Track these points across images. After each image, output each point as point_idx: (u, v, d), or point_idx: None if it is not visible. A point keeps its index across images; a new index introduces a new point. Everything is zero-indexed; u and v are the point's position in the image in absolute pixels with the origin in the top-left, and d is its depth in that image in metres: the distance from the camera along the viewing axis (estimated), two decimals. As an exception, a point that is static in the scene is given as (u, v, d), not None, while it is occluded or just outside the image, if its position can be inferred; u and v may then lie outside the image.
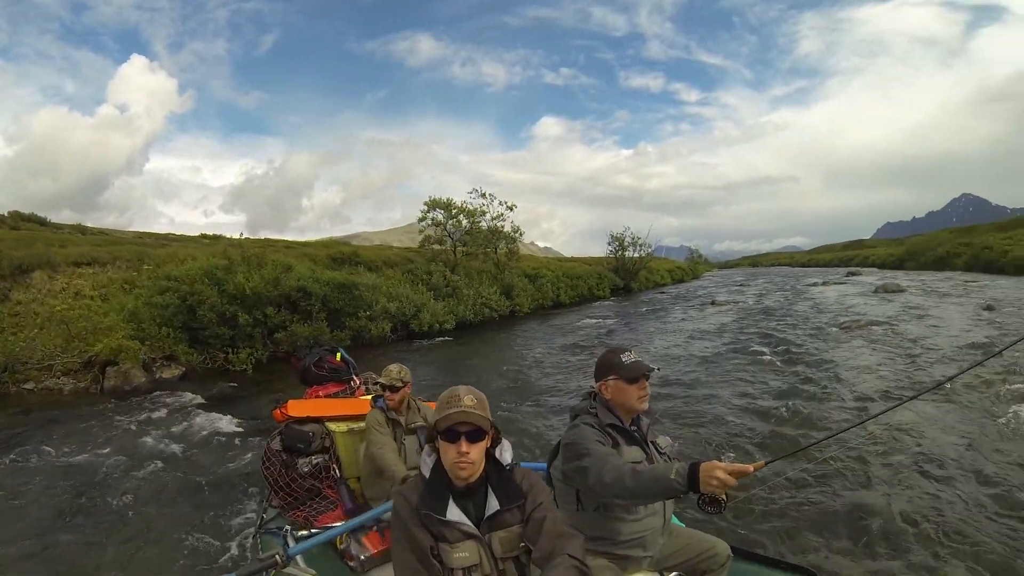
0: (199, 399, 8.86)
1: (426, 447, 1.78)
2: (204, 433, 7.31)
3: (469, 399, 1.67)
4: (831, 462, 5.10)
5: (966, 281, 27.84)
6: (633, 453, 2.18)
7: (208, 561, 4.18)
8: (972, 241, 45.38)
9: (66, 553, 4.38)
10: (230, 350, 10.83)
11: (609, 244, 33.25)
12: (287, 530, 3.11)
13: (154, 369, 10.13)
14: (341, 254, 16.62)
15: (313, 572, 2.48)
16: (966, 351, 10.19)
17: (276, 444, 3.62)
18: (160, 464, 6.19)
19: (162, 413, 8.17)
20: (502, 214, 21.27)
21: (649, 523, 2.17)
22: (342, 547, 3.01)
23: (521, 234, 22.07)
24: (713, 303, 23.82)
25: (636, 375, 2.17)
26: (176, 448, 6.71)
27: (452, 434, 1.63)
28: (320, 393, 4.12)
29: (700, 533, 2.38)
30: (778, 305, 22.10)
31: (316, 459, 3.60)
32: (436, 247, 19.61)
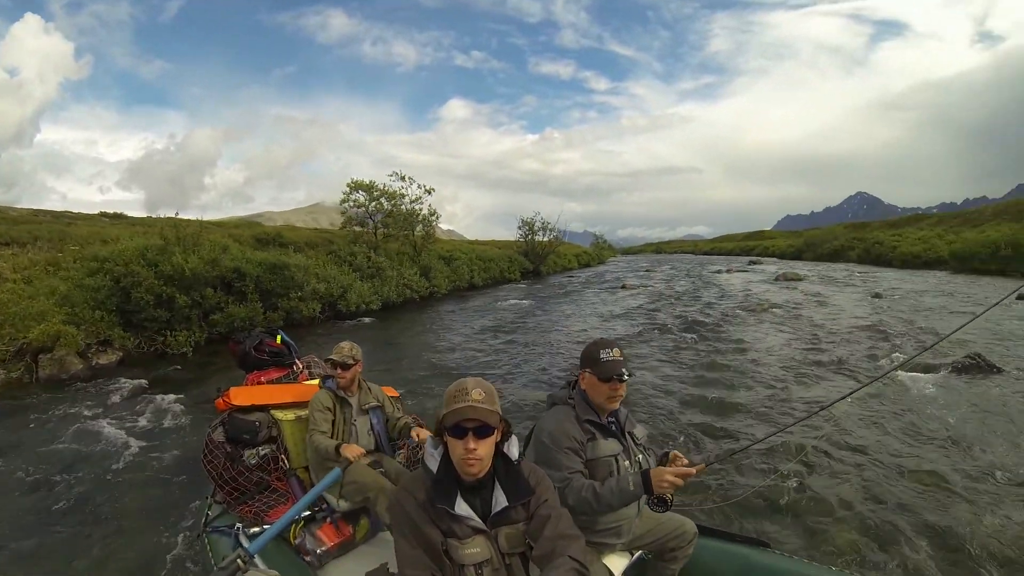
0: (140, 385, 8.72)
1: (429, 439, 1.77)
2: (146, 422, 7.11)
3: (477, 393, 1.64)
4: (774, 452, 5.35)
5: (858, 272, 30.91)
6: (611, 446, 2.25)
7: (151, 568, 3.85)
8: (865, 236, 48.56)
9: None
10: (168, 333, 10.92)
11: (519, 228, 34.71)
12: (239, 528, 3.04)
13: (90, 355, 9.94)
14: (265, 234, 16.70)
15: (275, 573, 2.40)
16: (861, 332, 11.88)
17: (219, 435, 3.47)
18: (100, 459, 5.91)
19: (102, 402, 7.92)
20: (420, 197, 21.96)
21: (624, 513, 2.24)
22: (296, 542, 2.97)
23: (438, 217, 22.88)
24: (624, 287, 25.91)
25: (607, 375, 2.19)
26: (117, 440, 6.43)
27: (459, 430, 1.61)
28: (262, 379, 3.99)
29: (669, 513, 2.40)
30: (687, 290, 24.19)
31: (263, 450, 3.46)
32: (358, 228, 20.01)
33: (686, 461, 2.27)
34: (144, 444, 6.32)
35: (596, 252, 53.18)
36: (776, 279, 26.70)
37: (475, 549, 1.62)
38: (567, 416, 2.24)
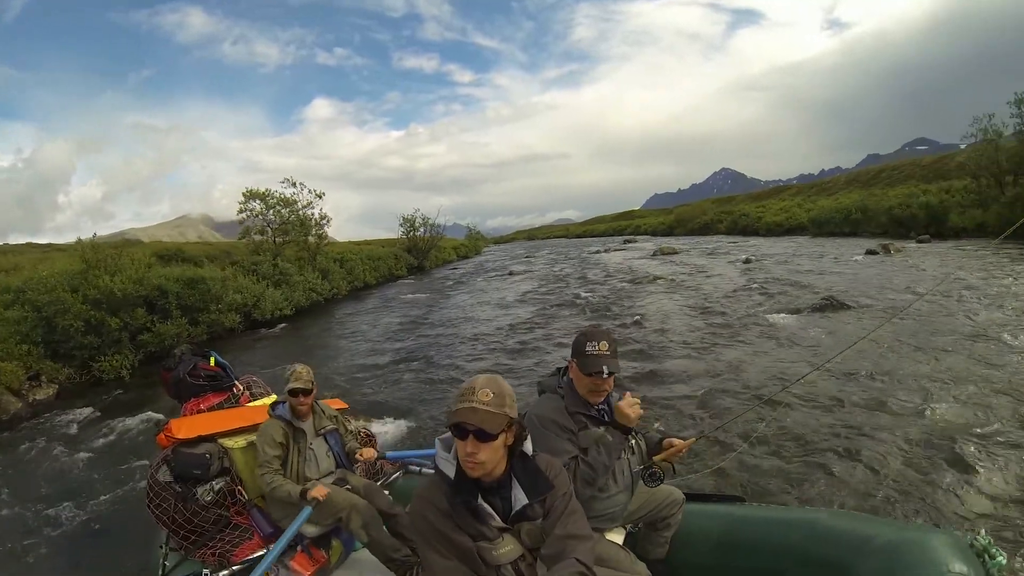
0: (82, 417, 8.51)
1: (439, 443, 1.72)
2: (95, 458, 6.81)
3: (484, 393, 1.56)
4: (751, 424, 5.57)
5: (728, 242, 34.18)
6: (600, 433, 2.22)
7: None
8: (732, 210, 52.12)
9: None
10: (101, 358, 10.81)
11: (401, 226, 35.61)
12: (206, 575, 2.85)
13: (24, 392, 9.55)
14: (167, 251, 16.30)
15: None
16: (742, 292, 14.16)
17: (164, 475, 3.13)
18: (42, 508, 5.48)
19: (43, 442, 7.51)
20: (311, 202, 22.22)
21: (618, 499, 2.29)
22: None
23: (328, 221, 23.25)
24: (511, 273, 27.86)
25: (591, 370, 2.15)
26: (60, 485, 6.08)
27: (460, 431, 1.54)
28: (201, 407, 3.73)
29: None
30: (573, 271, 26.27)
31: (217, 484, 3.19)
32: (257, 238, 19.90)
33: (679, 441, 2.38)
34: (93, 484, 5.96)
35: (472, 243, 54.82)
36: (655, 254, 29.44)
37: (508, 547, 1.60)
38: (557, 406, 2.23)
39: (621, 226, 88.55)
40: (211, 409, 3.69)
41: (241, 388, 3.97)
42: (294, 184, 21.38)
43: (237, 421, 3.45)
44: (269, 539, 2.97)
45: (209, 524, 3.11)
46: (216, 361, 3.95)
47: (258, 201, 19.89)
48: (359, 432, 3.78)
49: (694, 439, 2.43)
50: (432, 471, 3.57)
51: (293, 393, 3.14)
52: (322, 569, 3.00)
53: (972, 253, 17.99)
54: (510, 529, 1.62)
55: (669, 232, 55.74)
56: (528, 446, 1.70)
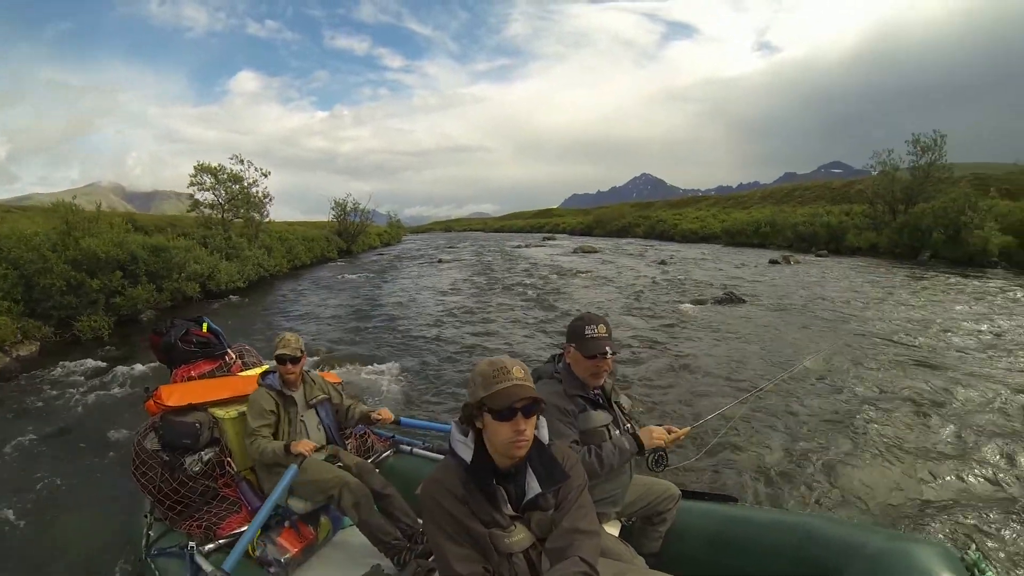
0: (66, 375, 8.68)
1: (454, 426, 1.71)
2: (76, 419, 6.79)
3: (518, 370, 1.58)
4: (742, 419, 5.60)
5: (646, 245, 36.74)
6: (600, 417, 2.30)
7: None
8: (650, 215, 54.26)
9: None
10: (80, 319, 11.07)
11: (332, 209, 35.99)
12: (192, 547, 2.70)
13: (7, 348, 9.72)
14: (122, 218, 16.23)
15: None
16: (658, 285, 16.61)
17: (151, 442, 3.09)
18: (27, 467, 5.40)
19: (31, 398, 7.61)
20: (256, 180, 22.44)
21: (620, 482, 2.37)
22: (257, 554, 2.82)
23: (271, 199, 23.50)
24: (440, 261, 29.12)
25: (593, 352, 2.22)
26: (47, 444, 6.02)
27: (509, 412, 1.53)
28: (192, 373, 3.67)
29: (654, 479, 2.60)
30: (499, 262, 27.89)
31: (207, 454, 3.15)
32: (208, 212, 19.95)
33: (675, 428, 2.46)
34: (77, 445, 5.94)
35: (394, 231, 55.17)
36: (575, 251, 31.83)
37: (520, 536, 1.59)
38: (556, 390, 2.27)
39: (540, 223, 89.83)
40: (202, 377, 3.63)
41: (233, 356, 3.89)
42: (241, 161, 21.50)
43: (229, 391, 3.40)
44: (257, 513, 2.76)
45: (196, 495, 3.08)
46: (209, 327, 3.91)
47: (208, 176, 19.90)
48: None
49: (689, 428, 2.55)
50: (424, 451, 3.81)
51: (281, 360, 3.13)
52: (309, 546, 2.99)
53: (860, 268, 21.34)
54: (521, 518, 1.62)
55: (587, 232, 57.35)
56: (544, 434, 1.70)
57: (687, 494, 2.77)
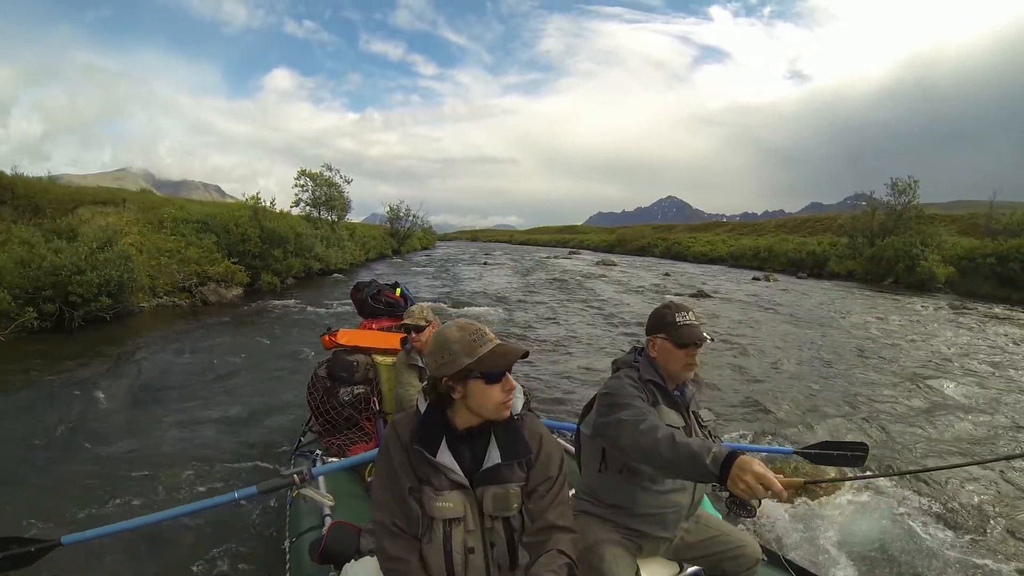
0: (259, 312, 12.32)
1: (423, 384, 1.71)
2: (260, 346, 9.14)
3: (488, 330, 1.55)
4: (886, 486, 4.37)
5: (658, 263, 41.14)
6: (671, 417, 1.99)
7: (240, 475, 4.37)
8: (668, 237, 57.28)
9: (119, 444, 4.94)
10: (264, 275, 15.32)
11: (387, 213, 41.00)
12: (317, 454, 3.23)
13: (225, 289, 13.81)
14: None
15: (330, 496, 2.46)
16: (659, 286, 21.31)
17: (322, 370, 3.71)
18: (220, 374, 7.33)
19: (250, 324, 10.97)
20: (339, 185, 26.95)
21: (674, 499, 1.97)
22: (370, 480, 2.92)
23: (351, 204, 27.95)
24: (485, 263, 33.46)
25: (686, 341, 1.97)
26: (236, 360, 8.09)
27: (496, 374, 1.49)
28: (374, 326, 4.18)
29: (731, 527, 2.17)
30: (536, 266, 32.27)
31: (358, 389, 3.61)
32: (308, 209, 24.71)
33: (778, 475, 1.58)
34: (274, 361, 8.19)
35: (430, 237, 59.09)
36: (597, 264, 36.04)
37: (448, 504, 1.49)
38: (632, 377, 2.02)
39: (564, 238, 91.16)
40: (381, 330, 4.08)
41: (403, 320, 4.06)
42: (329, 168, 26.08)
43: (393, 343, 3.70)
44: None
45: (342, 420, 3.56)
46: (402, 292, 4.43)
47: (310, 179, 24.57)
48: None
49: (802, 481, 1.79)
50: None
51: (406, 329, 3.30)
52: None
53: (825, 288, 24.55)
54: (469, 490, 1.52)
55: (609, 250, 60.04)
56: (516, 404, 1.59)
57: (772, 559, 2.33)
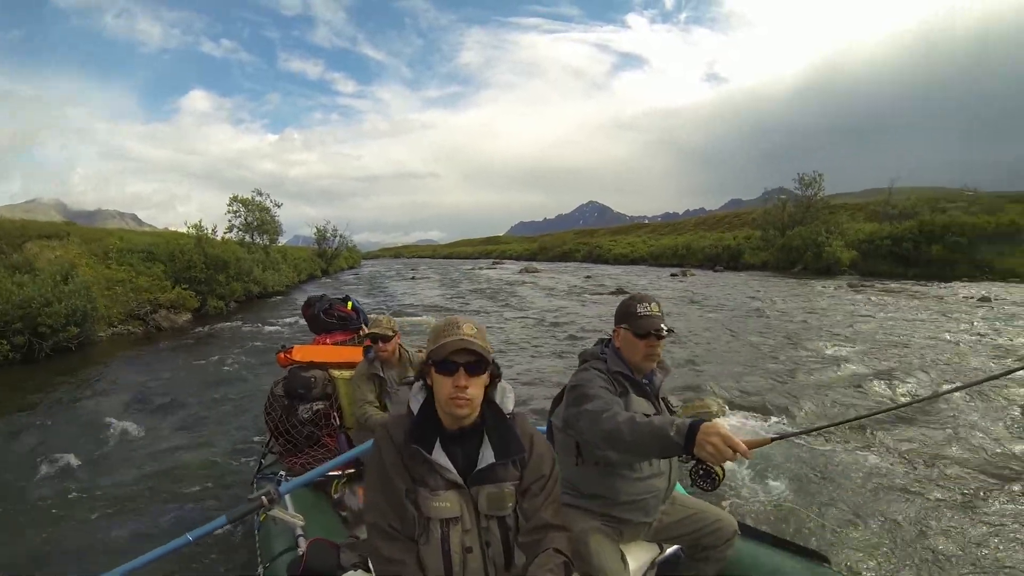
0: (215, 333, 13.07)
1: (416, 384, 1.66)
2: (231, 365, 9.14)
3: (469, 327, 1.53)
4: (835, 439, 5.00)
5: (580, 266, 42.99)
6: (642, 405, 2.05)
7: (204, 503, 4.25)
8: (590, 241, 59.64)
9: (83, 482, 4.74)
10: (209, 300, 16.41)
11: (314, 235, 42.06)
12: (281, 476, 3.16)
13: (176, 315, 14.82)
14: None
15: (300, 516, 2.41)
16: (580, 287, 23.48)
17: (279, 389, 3.66)
18: (180, 401, 7.24)
19: (203, 347, 11.24)
20: (270, 209, 28.01)
21: (652, 485, 2.05)
22: (336, 496, 3.09)
23: (281, 227, 29.02)
24: (413, 278, 35.22)
25: (645, 331, 2.03)
26: (194, 385, 8.11)
27: (449, 365, 1.49)
28: (328, 341, 4.20)
29: (706, 504, 2.23)
30: (463, 278, 34.09)
31: (317, 406, 3.60)
32: (240, 235, 25.56)
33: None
34: (229, 385, 8.09)
35: (355, 256, 59.80)
36: (520, 271, 38.58)
37: (445, 503, 1.50)
38: (600, 369, 2.07)
39: (488, 250, 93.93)
40: (335, 344, 4.17)
41: (366, 331, 3.97)
42: (260, 193, 27.12)
43: (349, 357, 3.81)
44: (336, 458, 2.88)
45: (303, 438, 3.55)
46: (353, 306, 4.45)
47: (242, 205, 25.54)
48: None
49: (770, 439, 1.78)
50: None
51: (372, 339, 3.37)
52: None
53: (737, 278, 27.65)
54: (463, 488, 1.53)
55: (532, 257, 62.34)
56: (507, 404, 1.64)
57: (749, 531, 2.35)
